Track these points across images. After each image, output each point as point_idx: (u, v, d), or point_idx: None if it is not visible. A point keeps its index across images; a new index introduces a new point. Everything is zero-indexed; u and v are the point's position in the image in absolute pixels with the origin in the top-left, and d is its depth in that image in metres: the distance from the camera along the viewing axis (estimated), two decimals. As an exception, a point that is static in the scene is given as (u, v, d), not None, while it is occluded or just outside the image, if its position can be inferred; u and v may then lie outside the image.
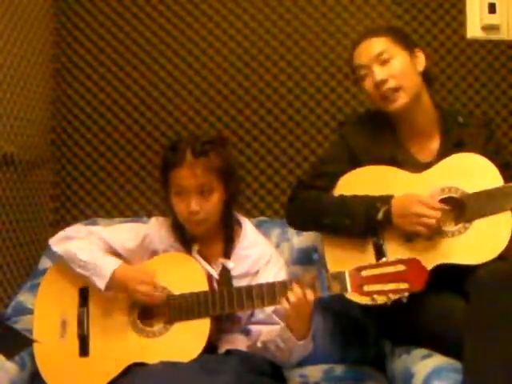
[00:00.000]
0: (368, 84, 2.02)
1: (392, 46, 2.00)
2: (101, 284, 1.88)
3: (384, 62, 1.98)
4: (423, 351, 1.89)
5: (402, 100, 1.98)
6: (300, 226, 2.17)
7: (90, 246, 1.96)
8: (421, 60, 2.04)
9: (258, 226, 2.23)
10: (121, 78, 2.73)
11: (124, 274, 1.88)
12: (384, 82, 1.97)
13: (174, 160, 1.93)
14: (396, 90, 1.98)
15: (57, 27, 2.73)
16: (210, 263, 1.96)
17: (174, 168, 1.92)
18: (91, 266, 1.90)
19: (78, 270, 1.92)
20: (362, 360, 2.30)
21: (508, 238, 1.85)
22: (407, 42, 2.04)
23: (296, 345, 1.82)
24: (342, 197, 2.01)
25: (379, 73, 1.98)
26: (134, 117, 2.73)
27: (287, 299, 1.77)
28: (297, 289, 1.76)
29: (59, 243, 1.99)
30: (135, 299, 1.89)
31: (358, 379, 2.19)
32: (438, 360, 1.81)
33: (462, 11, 2.71)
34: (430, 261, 1.87)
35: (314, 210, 2.02)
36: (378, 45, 2.00)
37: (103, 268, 1.88)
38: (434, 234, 1.90)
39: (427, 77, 2.06)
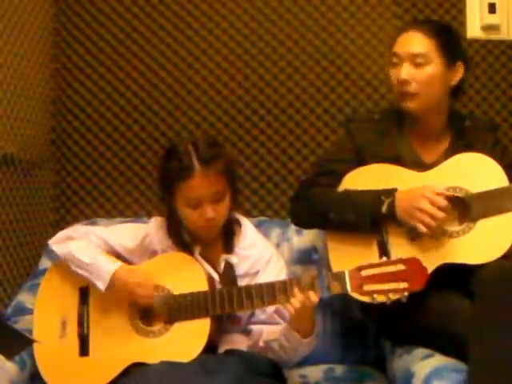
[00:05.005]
0: (393, 74, 2.02)
1: (434, 51, 1.97)
2: (101, 285, 1.88)
3: (417, 65, 1.96)
4: (424, 351, 1.89)
5: (414, 105, 1.99)
6: (305, 223, 2.17)
7: (90, 246, 1.95)
8: (458, 75, 2.01)
9: (258, 226, 2.23)
10: (121, 78, 2.73)
11: (123, 276, 1.88)
12: (407, 82, 1.97)
13: (182, 171, 1.84)
14: (413, 94, 1.97)
15: (57, 27, 2.73)
16: (211, 264, 1.96)
17: (184, 180, 1.84)
18: (91, 268, 1.89)
19: (78, 270, 1.92)
20: (363, 360, 2.30)
21: None
22: (453, 52, 2.00)
23: (301, 343, 1.82)
24: (346, 192, 2.01)
25: (406, 72, 1.97)
26: (134, 117, 2.73)
27: (291, 305, 1.76)
28: (299, 295, 1.75)
29: (59, 243, 1.99)
30: (134, 301, 1.89)
31: (358, 379, 2.19)
32: (438, 360, 1.81)
33: (461, 11, 2.70)
34: (434, 260, 1.87)
35: (319, 206, 2.02)
36: (420, 45, 1.98)
37: (103, 270, 1.88)
38: (437, 234, 1.90)
39: (457, 89, 2.05)
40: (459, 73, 2.02)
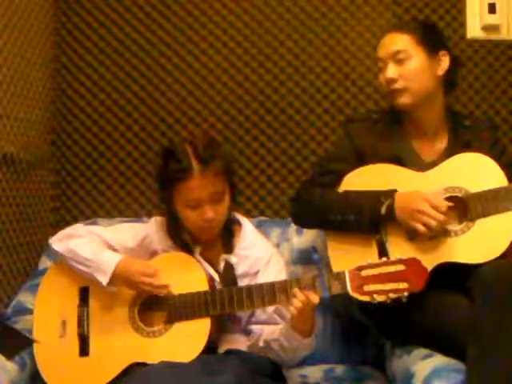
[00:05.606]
0: (381, 77, 2.06)
1: (413, 46, 2.01)
2: (103, 280, 1.86)
3: (399, 61, 2.01)
4: (423, 351, 1.88)
5: (405, 101, 2.01)
6: (306, 223, 2.18)
7: (91, 243, 1.95)
8: (443, 64, 2.03)
9: (258, 226, 2.24)
10: (121, 78, 2.73)
11: (126, 267, 1.86)
12: (393, 80, 2.01)
13: (180, 172, 1.83)
14: (402, 90, 2.00)
15: (57, 27, 2.73)
16: (211, 264, 1.96)
17: (183, 181, 1.83)
18: (92, 263, 1.88)
19: (80, 267, 1.91)
20: (362, 360, 2.30)
21: (511, 238, 1.86)
22: (434, 44, 2.03)
23: (301, 343, 1.82)
24: (346, 193, 2.02)
25: (391, 71, 2.01)
26: (134, 117, 2.73)
27: (292, 305, 1.76)
28: (299, 295, 1.75)
29: (60, 242, 1.98)
30: (140, 292, 1.88)
31: (358, 379, 2.19)
32: (438, 360, 1.81)
33: (461, 11, 2.71)
34: (433, 260, 1.87)
35: (319, 207, 2.02)
36: (398, 42, 2.02)
37: (105, 264, 1.87)
38: (437, 233, 1.90)
39: (447, 81, 2.07)
40: (444, 62, 2.04)
